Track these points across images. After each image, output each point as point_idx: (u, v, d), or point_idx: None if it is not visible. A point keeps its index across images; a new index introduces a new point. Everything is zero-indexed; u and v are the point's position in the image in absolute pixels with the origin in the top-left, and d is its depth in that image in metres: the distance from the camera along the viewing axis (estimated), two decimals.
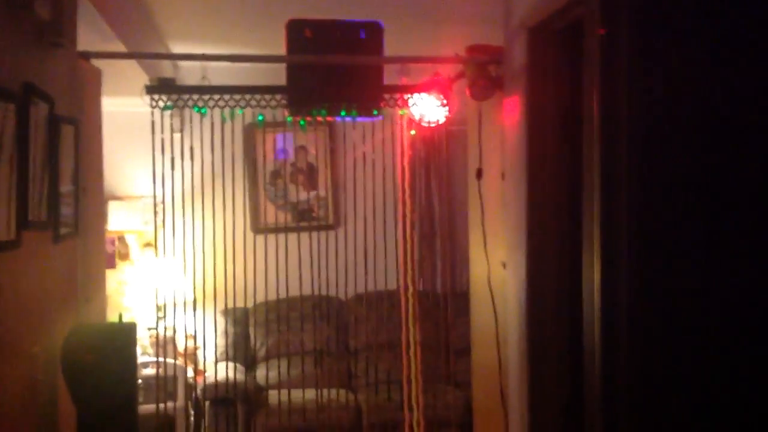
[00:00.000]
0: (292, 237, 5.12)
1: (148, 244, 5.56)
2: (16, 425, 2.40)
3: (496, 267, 3.76)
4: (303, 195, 5.92)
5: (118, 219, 5.48)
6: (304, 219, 5.81)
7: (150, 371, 4.91)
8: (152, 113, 3.72)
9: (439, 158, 5.20)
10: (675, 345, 2.00)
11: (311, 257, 5.06)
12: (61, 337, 2.67)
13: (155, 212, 4.27)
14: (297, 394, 5.10)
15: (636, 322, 1.98)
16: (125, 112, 4.88)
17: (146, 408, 4.46)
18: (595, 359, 2.08)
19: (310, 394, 5.13)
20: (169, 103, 3.57)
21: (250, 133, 5.68)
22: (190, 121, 4.21)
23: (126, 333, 2.77)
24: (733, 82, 2.05)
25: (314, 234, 5.19)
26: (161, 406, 4.46)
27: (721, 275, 2.03)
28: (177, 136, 4.43)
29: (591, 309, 2.12)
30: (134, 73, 4.27)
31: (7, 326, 2.25)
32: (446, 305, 5.66)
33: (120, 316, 2.89)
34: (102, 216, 3.51)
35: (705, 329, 2.02)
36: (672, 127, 2.01)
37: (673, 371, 2.00)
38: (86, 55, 3.26)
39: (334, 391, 5.15)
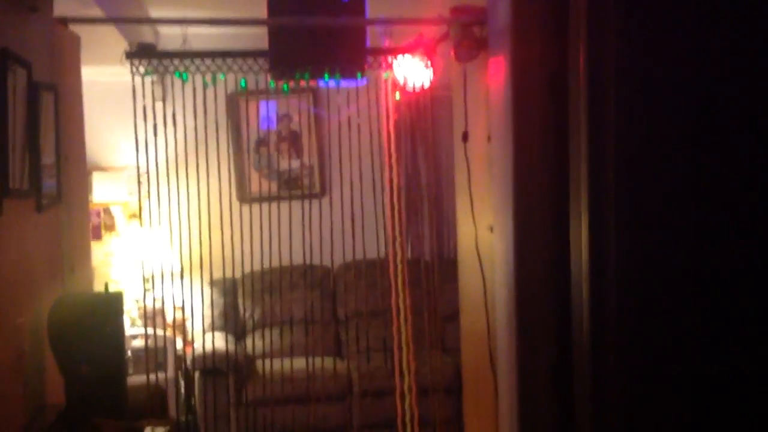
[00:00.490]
0: (280, 206, 5.08)
1: (133, 215, 5.51)
2: (4, 396, 2.38)
3: (483, 231, 3.75)
4: (289, 163, 5.88)
5: (102, 190, 5.43)
6: (290, 187, 5.78)
7: (139, 343, 4.89)
8: (133, 80, 3.66)
9: (424, 122, 5.16)
10: (664, 304, 1.99)
11: (299, 226, 5.03)
12: (47, 308, 2.64)
13: (139, 182, 4.21)
14: (287, 364, 5.11)
15: (624, 282, 1.97)
16: (105, 81, 4.81)
17: (136, 379, 4.45)
18: (583, 320, 2.07)
19: (300, 363, 5.13)
20: (149, 69, 3.51)
21: (233, 101, 5.62)
22: (172, 88, 4.15)
23: (113, 303, 2.74)
24: (722, 37, 2.02)
25: (301, 202, 5.16)
26: (151, 377, 4.45)
27: (712, 232, 2.02)
28: (159, 104, 4.37)
29: (579, 269, 2.11)
30: (113, 40, 4.20)
31: None
32: (434, 271, 5.65)
33: (106, 286, 2.86)
34: (85, 185, 3.46)
35: (695, 289, 2.01)
36: (661, 82, 1.99)
37: (662, 331, 1.99)
38: (64, 21, 3.19)
39: (323, 360, 5.16)
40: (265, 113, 5.73)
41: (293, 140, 5.88)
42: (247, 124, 5.63)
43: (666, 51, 2.02)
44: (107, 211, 5.54)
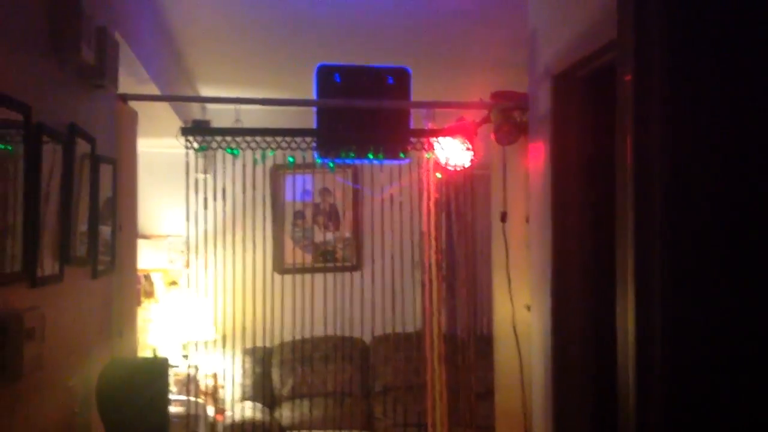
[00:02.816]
0: (316, 277, 5.18)
1: (173, 283, 5.62)
2: None
3: (520, 310, 3.80)
4: (326, 236, 6.00)
5: (143, 257, 5.57)
6: (327, 260, 5.88)
7: (173, 409, 4.93)
8: (186, 155, 3.81)
9: (463, 202, 5.26)
10: (713, 389, 1.99)
11: (334, 298, 5.11)
12: (97, 371, 2.72)
13: (188, 250, 4.33)
14: None
15: (670, 374, 1.98)
16: (152, 153, 5.01)
17: None
18: (629, 405, 2.07)
19: None
20: (203, 144, 3.67)
21: (276, 174, 5.78)
22: (215, 163, 4.30)
23: (159, 367, 2.82)
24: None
25: (337, 275, 5.25)
26: None
27: (759, 309, 2.03)
28: (208, 177, 4.53)
29: (625, 358, 2.12)
30: (166, 116, 4.39)
31: (48, 359, 2.31)
32: (469, 348, 5.66)
33: (154, 351, 2.94)
34: (135, 253, 3.58)
35: (743, 369, 2.00)
36: (704, 174, 2.04)
37: (713, 417, 1.99)
38: (125, 98, 3.37)
39: None
40: (303, 186, 5.87)
41: (331, 214, 6.01)
42: (290, 196, 5.77)
43: (712, 140, 2.07)
44: (147, 277, 5.66)
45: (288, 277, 5.32)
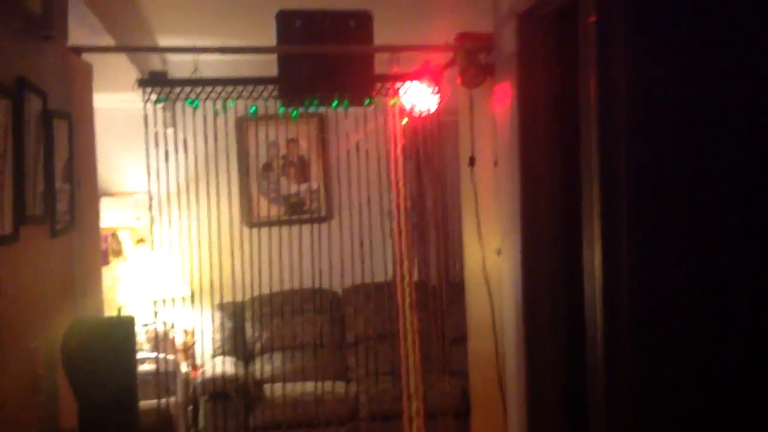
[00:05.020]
0: (285, 230, 5.12)
1: (140, 240, 5.54)
2: (19, 420, 2.40)
3: (490, 255, 3.78)
4: (295, 188, 5.93)
5: (110, 216, 5.46)
6: (296, 212, 5.82)
7: (147, 367, 4.90)
8: (144, 107, 3.71)
9: (430, 147, 5.21)
10: (678, 330, 2.00)
11: (304, 250, 5.06)
12: (61, 332, 2.66)
13: (150, 206, 4.24)
14: (294, 387, 5.12)
15: (638, 305, 1.98)
16: (112, 108, 4.87)
17: (143, 404, 4.45)
18: (597, 345, 2.08)
19: (308, 386, 5.15)
20: (161, 97, 3.56)
21: (240, 126, 5.67)
22: (183, 115, 4.20)
23: (125, 326, 2.77)
24: (732, 66, 2.05)
25: (307, 226, 5.20)
26: (158, 401, 4.46)
27: (724, 254, 2.04)
28: (169, 131, 4.42)
29: (592, 292, 2.13)
30: (123, 68, 4.26)
31: (7, 321, 2.25)
32: (441, 295, 5.68)
33: (119, 310, 2.89)
34: (96, 211, 3.50)
35: (710, 311, 2.01)
36: (670, 112, 2.01)
37: (677, 357, 2.00)
38: (77, 50, 3.25)
39: (330, 384, 5.16)
40: (272, 138, 5.77)
41: (300, 165, 5.93)
42: (256, 148, 5.68)
43: (674, 74, 2.05)
44: (114, 236, 5.57)
45: (256, 231, 5.25)
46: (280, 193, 5.88)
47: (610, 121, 1.99)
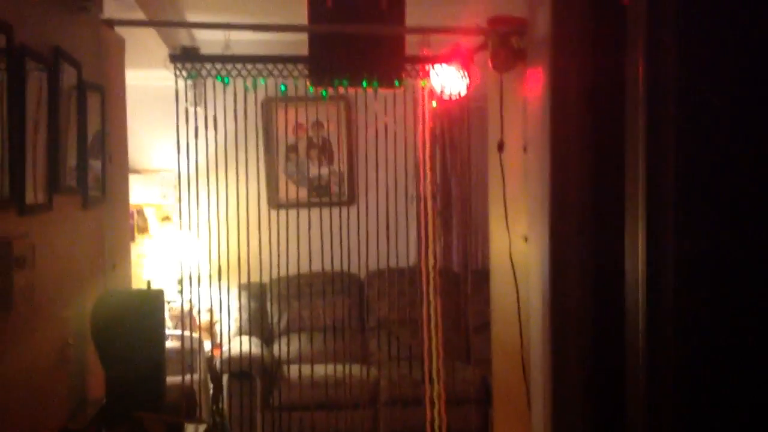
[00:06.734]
0: (311, 212, 5.12)
1: (166, 218, 5.57)
2: (49, 386, 2.42)
3: (517, 241, 3.76)
4: (320, 170, 5.92)
5: (136, 193, 5.49)
6: (321, 194, 5.82)
7: (170, 344, 4.92)
8: (176, 83, 3.71)
9: (459, 132, 5.19)
10: (722, 316, 1.95)
11: (327, 233, 5.06)
12: (91, 302, 2.68)
13: (179, 182, 4.24)
14: (314, 369, 5.13)
15: (682, 290, 1.93)
16: (142, 85, 4.87)
17: (167, 380, 4.48)
18: (639, 330, 2.03)
19: (328, 369, 5.16)
20: (193, 72, 3.56)
21: (266, 107, 5.67)
22: (205, 94, 4.20)
23: (155, 300, 2.79)
24: None
25: (332, 209, 5.20)
26: (180, 378, 4.48)
27: None
28: (193, 109, 4.41)
29: (634, 277, 2.07)
30: (151, 45, 4.26)
31: (40, 288, 2.26)
32: (465, 281, 5.67)
33: (149, 283, 2.90)
34: (126, 186, 3.52)
35: (759, 300, 1.95)
36: (723, 97, 1.96)
37: (721, 344, 1.95)
38: (110, 23, 3.25)
39: (351, 367, 5.17)
40: (297, 120, 5.77)
41: (324, 147, 5.92)
42: (282, 130, 5.68)
43: (727, 61, 1.99)
44: (140, 212, 5.60)
45: (281, 212, 5.26)
46: (305, 175, 5.88)
47: (658, 106, 1.94)
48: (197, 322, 5.26)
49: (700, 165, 1.91)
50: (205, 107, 4.46)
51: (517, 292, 3.69)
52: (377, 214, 5.05)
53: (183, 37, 4.77)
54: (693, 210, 1.91)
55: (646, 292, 1.96)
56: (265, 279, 5.34)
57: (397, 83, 3.77)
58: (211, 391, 5.13)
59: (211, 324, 5.41)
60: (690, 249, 1.90)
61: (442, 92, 3.86)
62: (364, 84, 3.70)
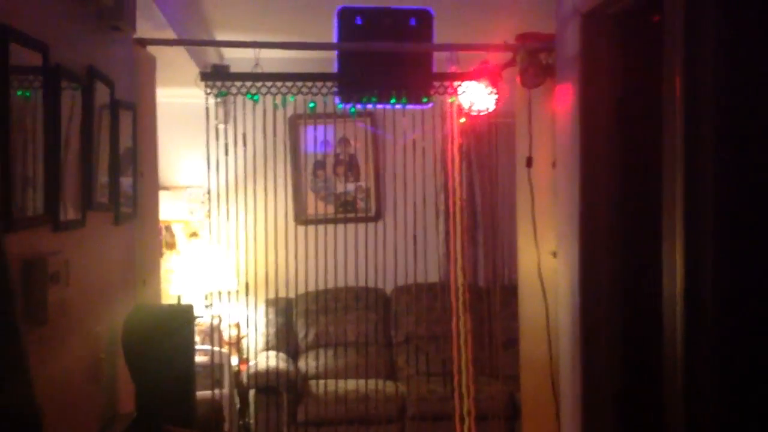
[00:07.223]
0: (337, 228, 5.14)
1: (193, 234, 5.61)
2: (81, 401, 2.44)
3: (545, 257, 3.74)
4: (346, 186, 5.94)
5: (164, 209, 5.54)
6: (347, 210, 5.83)
7: (197, 358, 4.95)
8: (206, 101, 3.75)
9: (486, 148, 5.18)
10: (762, 330, 1.91)
11: (355, 249, 5.07)
12: (122, 317, 2.70)
13: (209, 198, 4.28)
14: (341, 385, 5.13)
15: (722, 305, 1.90)
16: (168, 103, 4.93)
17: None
18: (676, 345, 2.00)
19: (354, 384, 5.15)
20: (223, 90, 3.60)
21: (292, 124, 5.71)
22: (234, 111, 4.23)
23: (184, 314, 2.81)
24: None
25: (359, 225, 5.20)
26: (208, 393, 4.50)
27: None
28: (222, 126, 4.46)
29: (671, 294, 2.04)
30: (180, 63, 4.30)
31: (74, 303, 2.29)
32: (493, 296, 5.64)
33: (179, 298, 2.92)
34: (156, 202, 3.55)
35: None
36: (764, 113, 1.94)
37: (760, 357, 1.91)
38: (143, 42, 3.30)
39: (377, 382, 5.16)
40: (323, 137, 5.80)
41: (350, 164, 5.94)
42: (311, 146, 5.71)
43: (763, 72, 1.96)
44: (168, 229, 5.65)
45: (309, 228, 5.28)
46: (331, 191, 5.90)
47: (696, 122, 1.93)
48: (224, 337, 5.28)
49: (740, 182, 1.89)
50: (235, 124, 4.49)
51: (546, 308, 3.67)
52: (405, 229, 5.05)
53: (212, 55, 4.83)
54: (732, 228, 1.89)
55: (683, 308, 1.94)
56: (292, 294, 5.36)
57: (425, 100, 3.78)
58: (238, 406, 5.15)
59: (238, 339, 5.44)
60: (729, 266, 1.88)
61: (470, 108, 3.86)
62: (393, 101, 3.72)
